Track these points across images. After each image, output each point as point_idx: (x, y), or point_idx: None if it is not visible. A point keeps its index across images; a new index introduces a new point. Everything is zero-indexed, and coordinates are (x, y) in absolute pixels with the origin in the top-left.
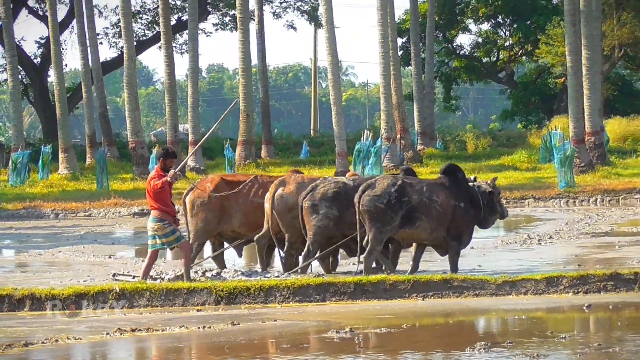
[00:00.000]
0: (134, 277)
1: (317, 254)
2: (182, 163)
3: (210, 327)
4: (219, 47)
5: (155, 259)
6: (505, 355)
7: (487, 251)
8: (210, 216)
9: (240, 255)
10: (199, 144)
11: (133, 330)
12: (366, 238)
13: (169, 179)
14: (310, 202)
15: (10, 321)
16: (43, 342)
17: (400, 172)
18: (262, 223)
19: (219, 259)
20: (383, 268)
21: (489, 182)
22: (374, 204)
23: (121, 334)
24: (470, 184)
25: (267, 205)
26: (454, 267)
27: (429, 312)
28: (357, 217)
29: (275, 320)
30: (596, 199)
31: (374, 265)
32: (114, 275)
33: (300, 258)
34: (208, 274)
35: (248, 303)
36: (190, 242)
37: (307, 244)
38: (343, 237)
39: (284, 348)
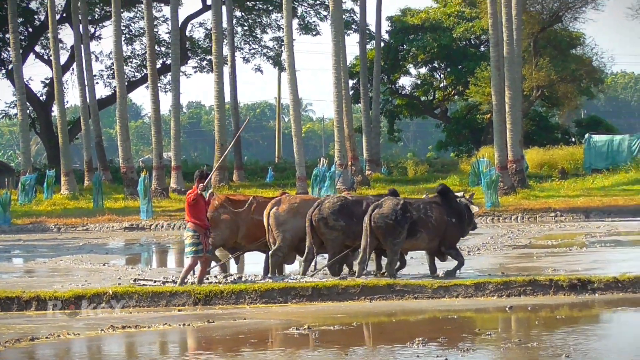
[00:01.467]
0: (155, 281)
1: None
2: (207, 179)
3: (189, 325)
4: (197, 87)
5: (195, 265)
6: (439, 349)
7: (425, 260)
8: (224, 229)
9: (237, 262)
10: (219, 160)
11: (123, 327)
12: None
13: (198, 191)
14: (318, 216)
15: (19, 319)
16: (47, 337)
17: (389, 191)
18: (259, 236)
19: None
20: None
21: (468, 197)
22: (384, 221)
23: (113, 330)
24: (458, 199)
25: (266, 220)
26: (460, 263)
27: (375, 312)
28: (365, 231)
29: (245, 319)
30: (517, 217)
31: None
32: (135, 280)
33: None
34: (229, 278)
35: (222, 304)
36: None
37: (306, 249)
38: (346, 246)
39: (252, 342)
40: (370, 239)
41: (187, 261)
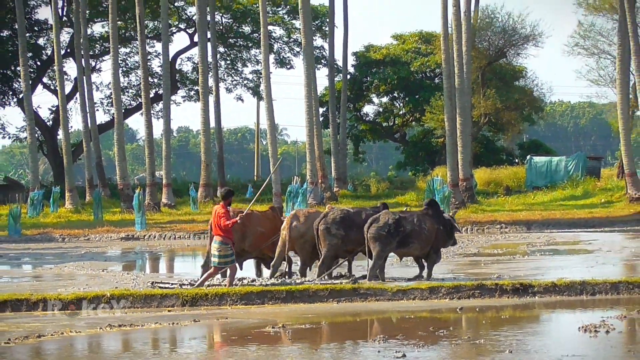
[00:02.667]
0: (172, 284)
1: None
2: (248, 207)
3: (177, 324)
4: (186, 114)
5: (216, 274)
6: (398, 345)
7: (385, 268)
8: (235, 238)
9: (241, 268)
10: (260, 189)
11: (120, 326)
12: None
13: (238, 220)
14: (324, 226)
15: (27, 319)
16: (52, 335)
17: (380, 205)
18: (261, 245)
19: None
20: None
21: (451, 214)
22: (378, 232)
23: (111, 328)
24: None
25: (284, 233)
26: (430, 274)
27: (342, 313)
28: (366, 242)
29: (227, 318)
30: (467, 229)
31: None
32: (152, 283)
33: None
34: (245, 281)
35: (206, 305)
36: None
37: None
38: (347, 252)
39: (233, 339)
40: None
41: (211, 269)
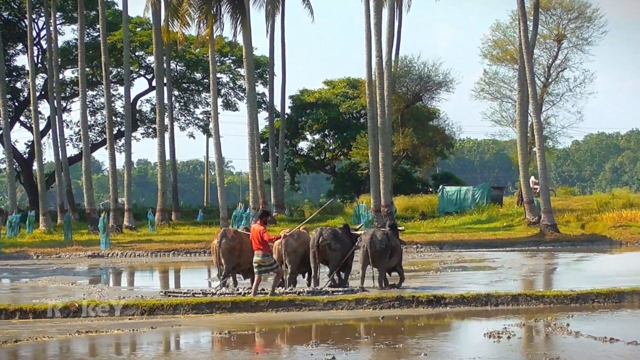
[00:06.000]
0: (184, 293)
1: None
2: (295, 229)
3: (137, 330)
4: (145, 148)
5: (260, 281)
6: (329, 349)
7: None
8: (233, 254)
9: (235, 281)
10: (307, 220)
11: (86, 332)
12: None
13: (282, 235)
14: (325, 242)
15: (5, 326)
16: (27, 339)
17: (387, 224)
18: (250, 259)
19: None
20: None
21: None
22: (380, 247)
23: (79, 334)
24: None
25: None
26: (403, 278)
27: (280, 321)
28: (361, 255)
29: (180, 326)
30: None
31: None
32: (165, 292)
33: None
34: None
35: (162, 314)
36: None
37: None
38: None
39: (185, 343)
40: (364, 260)
41: (259, 277)
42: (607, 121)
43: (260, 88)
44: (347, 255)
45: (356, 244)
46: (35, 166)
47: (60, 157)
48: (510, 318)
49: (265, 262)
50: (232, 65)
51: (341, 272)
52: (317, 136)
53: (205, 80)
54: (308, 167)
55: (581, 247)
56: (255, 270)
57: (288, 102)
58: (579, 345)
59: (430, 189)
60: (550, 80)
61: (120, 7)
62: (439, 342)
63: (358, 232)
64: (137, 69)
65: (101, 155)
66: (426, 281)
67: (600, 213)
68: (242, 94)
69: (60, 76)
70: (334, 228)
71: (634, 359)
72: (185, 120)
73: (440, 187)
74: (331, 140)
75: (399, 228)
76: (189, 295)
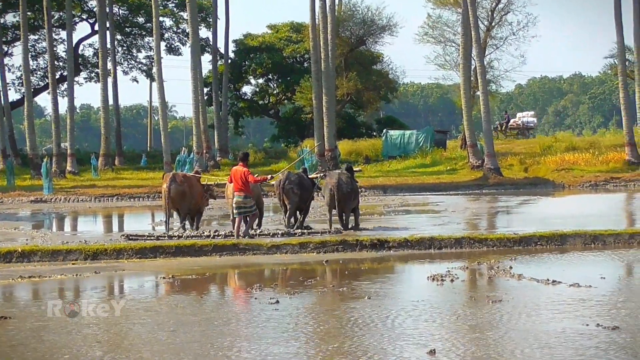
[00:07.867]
0: (145, 237)
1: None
2: (279, 173)
3: (80, 275)
4: (88, 93)
5: (241, 222)
6: (272, 292)
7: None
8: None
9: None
10: (290, 165)
11: (30, 277)
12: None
13: (268, 177)
14: (290, 187)
15: None
16: None
17: (345, 167)
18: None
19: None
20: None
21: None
22: (347, 190)
23: (22, 279)
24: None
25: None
26: (359, 223)
27: (224, 265)
28: (327, 198)
29: (124, 270)
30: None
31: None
32: (127, 236)
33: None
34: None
35: (106, 259)
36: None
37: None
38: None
39: (128, 287)
40: (331, 203)
41: (240, 218)
42: (550, 65)
43: (203, 32)
44: (309, 200)
45: (314, 188)
46: None
47: (2, 101)
48: (454, 261)
49: (247, 204)
50: (175, 8)
51: (300, 214)
52: (260, 80)
53: (148, 24)
54: (252, 112)
55: (524, 191)
56: (235, 211)
57: (232, 47)
58: (522, 288)
59: (374, 133)
60: (493, 24)
61: None
62: (383, 285)
63: (313, 176)
64: (80, 13)
65: (44, 100)
66: (370, 224)
67: (543, 156)
68: (186, 38)
69: (2, 20)
70: (301, 174)
71: (576, 300)
72: (128, 65)
73: (384, 131)
74: (275, 85)
75: (355, 169)
76: (153, 238)
